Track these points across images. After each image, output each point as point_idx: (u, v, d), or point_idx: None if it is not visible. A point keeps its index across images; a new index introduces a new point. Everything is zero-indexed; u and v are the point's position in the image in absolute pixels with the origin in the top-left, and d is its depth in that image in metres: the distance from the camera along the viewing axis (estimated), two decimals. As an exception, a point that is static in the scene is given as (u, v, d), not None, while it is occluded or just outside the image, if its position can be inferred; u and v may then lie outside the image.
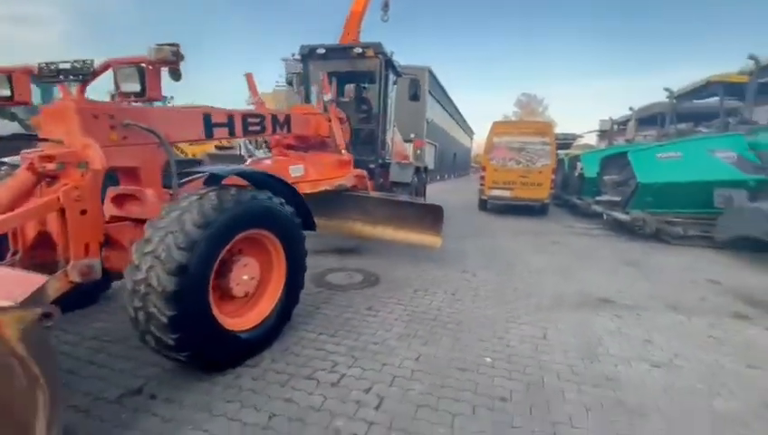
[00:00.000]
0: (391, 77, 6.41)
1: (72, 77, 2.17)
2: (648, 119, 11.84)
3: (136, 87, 2.03)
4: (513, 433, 1.77)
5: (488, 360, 2.41)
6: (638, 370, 2.36)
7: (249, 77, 6.20)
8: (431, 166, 20.36)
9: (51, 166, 1.98)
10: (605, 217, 7.54)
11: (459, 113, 38.70)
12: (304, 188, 4.06)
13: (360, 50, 5.77)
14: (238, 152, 9.20)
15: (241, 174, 2.51)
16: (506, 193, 9.12)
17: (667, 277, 4.40)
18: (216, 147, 11.82)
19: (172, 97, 12.77)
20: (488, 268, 4.55)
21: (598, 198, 8.04)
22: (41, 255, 2.21)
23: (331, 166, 4.58)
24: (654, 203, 6.47)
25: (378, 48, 5.76)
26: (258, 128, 3.78)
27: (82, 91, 2.21)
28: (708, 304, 3.54)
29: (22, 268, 2.10)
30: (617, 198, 7.38)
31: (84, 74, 2.13)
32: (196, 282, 1.86)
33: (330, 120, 4.74)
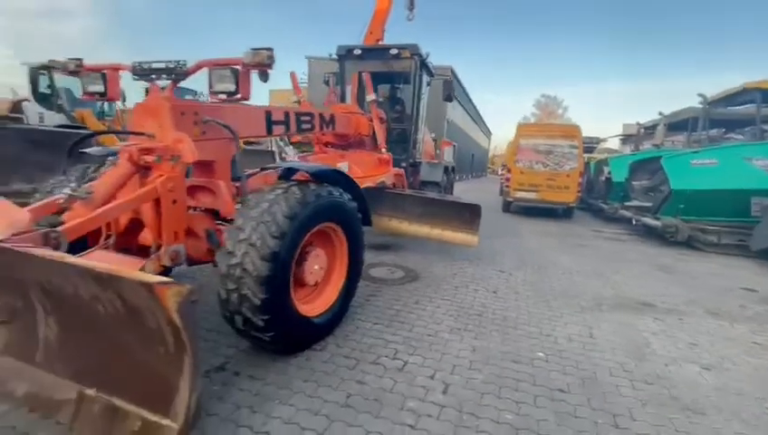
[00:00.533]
0: (425, 78, 6.51)
1: (164, 76, 2.35)
2: (677, 124, 11.66)
3: (230, 87, 2.20)
4: (576, 422, 1.88)
5: (540, 355, 2.52)
6: (688, 370, 2.43)
7: (293, 76, 6.38)
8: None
9: (150, 158, 2.16)
10: (634, 222, 7.51)
11: (478, 114, 38.46)
12: None
13: (396, 51, 5.88)
14: (268, 148, 9.41)
15: (313, 171, 2.63)
16: (532, 195, 9.13)
17: (702, 284, 4.42)
18: (250, 142, 12.13)
19: (201, 93, 13.17)
20: (523, 268, 4.63)
21: (627, 204, 8.00)
22: (130, 240, 2.40)
23: (372, 164, 4.72)
24: (686, 210, 6.44)
25: (414, 49, 5.86)
26: (309, 126, 3.93)
27: (173, 89, 2.39)
28: (749, 312, 3.56)
29: (115, 252, 2.30)
30: (647, 204, 7.35)
31: (177, 74, 2.31)
32: (284, 268, 2.02)
33: (371, 120, 4.89)
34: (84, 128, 8.49)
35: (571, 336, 2.81)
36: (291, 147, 10.13)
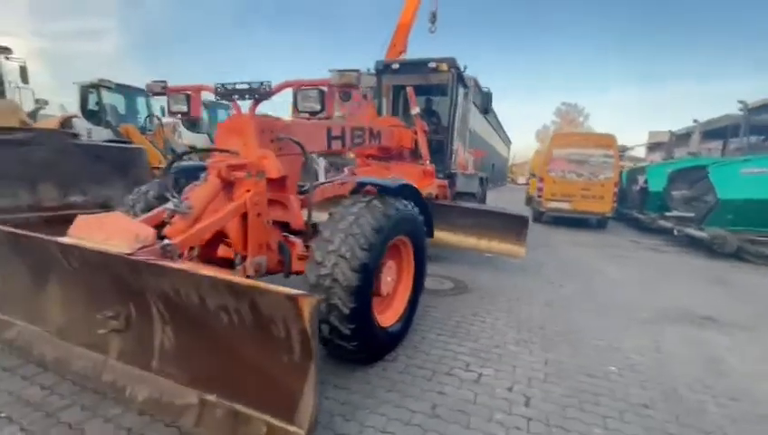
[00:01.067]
0: (461, 90, 6.58)
1: (247, 96, 2.49)
2: (713, 132, 11.36)
3: (316, 106, 2.31)
4: (668, 439, 1.86)
5: (613, 369, 2.49)
6: (759, 379, 2.37)
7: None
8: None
9: (240, 174, 2.28)
10: (676, 232, 7.31)
11: (498, 122, 38.30)
12: None
13: (434, 65, 5.97)
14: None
15: (387, 185, 2.67)
16: (565, 205, 9.02)
17: (758, 298, 4.27)
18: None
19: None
20: (571, 279, 4.58)
21: (667, 214, 7.81)
22: (211, 252, 2.53)
23: (418, 176, 4.79)
24: (735, 220, 6.24)
25: (452, 63, 5.95)
26: (361, 140, 4.04)
27: (254, 108, 2.53)
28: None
29: (201, 263, 2.42)
30: (690, 214, 7.15)
31: (260, 94, 2.44)
32: (370, 279, 2.10)
33: (415, 133, 4.98)
34: (130, 142, 8.94)
35: (640, 350, 2.78)
36: (321, 158, 10.33)
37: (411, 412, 1.94)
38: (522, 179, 35.57)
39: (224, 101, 11.30)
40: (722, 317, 3.55)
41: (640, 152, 21.46)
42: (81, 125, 9.42)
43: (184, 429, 1.63)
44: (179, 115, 2.79)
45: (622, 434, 1.87)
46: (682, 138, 13.56)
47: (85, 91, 9.51)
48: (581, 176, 8.95)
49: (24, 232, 1.87)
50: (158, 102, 10.85)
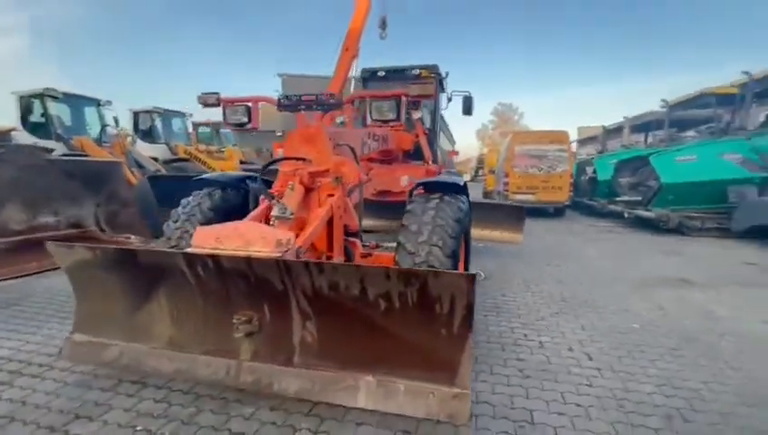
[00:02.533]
0: (443, 95, 7.04)
1: (315, 107, 2.64)
2: (639, 126, 13.07)
3: (392, 115, 2.52)
4: (703, 369, 2.35)
5: (636, 325, 3.01)
6: (755, 326, 3.01)
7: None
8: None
9: (327, 180, 2.44)
10: (627, 214, 8.41)
11: (445, 122, 39.88)
12: None
13: (418, 72, 6.36)
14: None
15: (449, 182, 2.92)
16: (530, 197, 9.89)
17: (711, 263, 5.18)
18: (241, 161, 12.11)
19: (191, 114, 13.00)
20: (563, 260, 5.19)
21: (617, 199, 8.92)
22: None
23: (423, 175, 5.12)
24: (674, 201, 7.37)
25: (435, 69, 6.38)
26: (377, 144, 4.29)
27: (321, 118, 2.68)
28: (765, 280, 4.31)
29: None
30: (637, 198, 8.27)
31: (329, 105, 2.61)
32: (457, 263, 2.37)
33: (416, 136, 5.31)
34: (86, 155, 8.25)
35: (647, 309, 3.34)
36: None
37: (506, 377, 2.25)
38: (467, 176, 37.50)
39: (178, 111, 10.83)
40: (692, 280, 4.30)
41: (572, 146, 23.72)
42: (23, 139, 8.51)
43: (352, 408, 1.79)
44: (234, 126, 2.84)
45: (669, 370, 2.34)
46: (612, 132, 15.33)
47: (27, 101, 8.60)
48: (542, 169, 9.89)
49: (140, 247, 1.89)
50: (111, 112, 10.13)
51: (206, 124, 14.11)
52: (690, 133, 11.65)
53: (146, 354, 2.05)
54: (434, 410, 1.66)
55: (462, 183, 2.90)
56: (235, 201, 3.02)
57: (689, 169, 7.25)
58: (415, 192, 2.88)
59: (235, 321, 1.87)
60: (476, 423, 1.82)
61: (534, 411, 1.92)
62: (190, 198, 2.97)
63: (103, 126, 9.33)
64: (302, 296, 1.80)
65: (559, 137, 10.08)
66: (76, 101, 9.57)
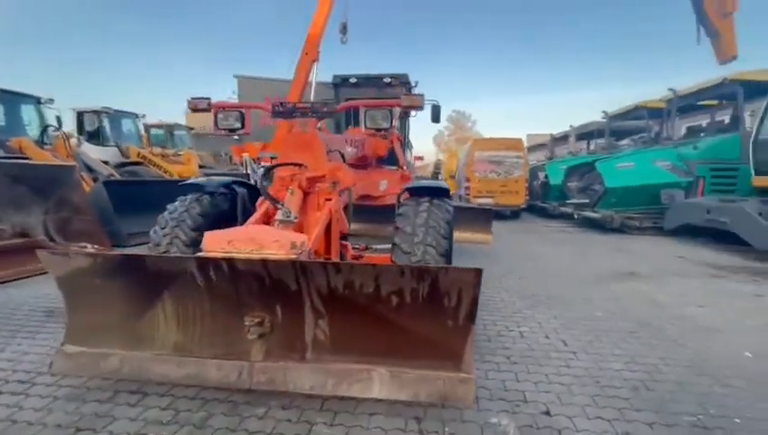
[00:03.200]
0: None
1: (310, 114, 2.72)
2: (584, 134, 14.27)
3: (385, 124, 2.66)
4: (657, 348, 2.72)
5: (599, 314, 3.38)
6: (691, 310, 3.50)
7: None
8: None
9: (324, 185, 2.53)
10: (576, 216, 9.17)
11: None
12: (388, 200, 4.76)
13: (388, 80, 6.59)
14: (244, 171, 9.31)
15: (435, 187, 3.10)
16: (490, 200, 10.45)
17: (651, 257, 5.84)
18: (200, 166, 11.64)
19: (144, 115, 12.31)
20: (526, 259, 5.60)
21: (568, 202, 9.70)
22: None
23: (397, 180, 5.31)
24: (617, 203, 8.17)
25: (404, 78, 6.65)
26: (356, 150, 4.43)
27: (315, 125, 2.76)
28: (694, 271, 4.95)
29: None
30: (585, 201, 9.06)
31: (323, 113, 2.70)
32: (450, 261, 2.56)
33: (391, 142, 5.49)
34: (26, 157, 7.56)
35: (605, 299, 3.75)
36: (262, 169, 10.12)
37: (496, 364, 2.47)
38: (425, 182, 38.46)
39: (128, 111, 10.39)
40: (638, 273, 4.85)
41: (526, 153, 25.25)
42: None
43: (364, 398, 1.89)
44: (226, 132, 2.84)
45: (631, 350, 2.68)
46: (560, 139, 16.58)
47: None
48: (500, 175, 10.51)
49: (146, 254, 1.87)
50: (53, 111, 9.34)
51: (159, 126, 13.42)
52: (626, 142, 12.92)
53: (150, 361, 2.01)
54: (443, 395, 1.81)
55: (447, 187, 3.11)
56: (223, 206, 3.02)
57: (628, 175, 8.09)
58: (403, 197, 3.05)
59: (246, 323, 1.92)
60: (478, 405, 2.00)
61: (525, 392, 2.14)
62: (177, 204, 2.92)
63: (45, 126, 8.59)
64: (316, 296, 1.88)
65: (515, 144, 10.76)
66: (10, 99, 8.73)
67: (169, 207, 2.91)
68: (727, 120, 9.54)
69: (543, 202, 11.47)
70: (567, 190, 10.09)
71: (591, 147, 15.24)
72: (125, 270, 1.97)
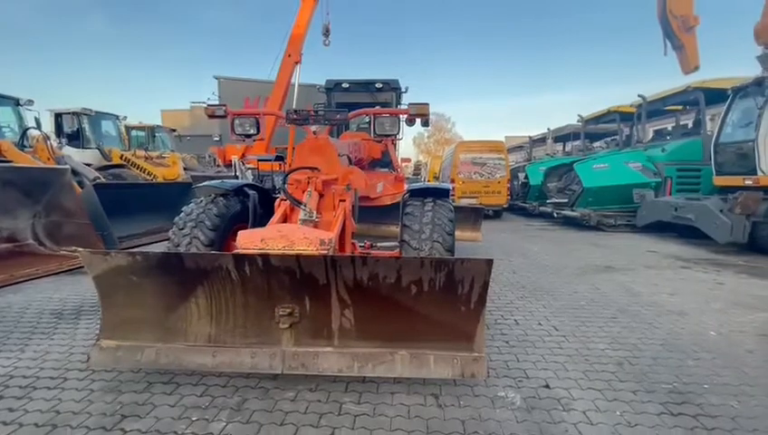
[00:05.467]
0: (402, 107, 7.56)
1: (324, 121, 2.91)
2: (560, 136, 14.93)
3: (393, 131, 2.88)
4: (636, 330, 3.05)
5: (583, 303, 3.70)
6: (663, 297, 3.88)
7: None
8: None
9: (339, 187, 2.72)
10: (555, 215, 9.65)
11: (383, 130, 40.88)
12: (385, 201, 4.99)
13: (380, 85, 6.82)
14: (233, 173, 9.32)
15: (440, 188, 3.34)
16: (474, 201, 10.82)
17: (625, 252, 6.30)
18: (186, 169, 11.52)
19: (125, 117, 12.07)
20: (512, 255, 5.94)
21: (548, 201, 10.18)
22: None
23: (392, 182, 5.53)
24: (593, 202, 8.68)
25: (395, 84, 6.89)
26: (357, 152, 4.64)
27: (330, 131, 2.96)
28: (664, 263, 5.40)
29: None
30: (564, 200, 9.54)
31: (336, 120, 2.90)
32: (453, 255, 2.80)
33: (385, 146, 5.71)
34: (7, 160, 7.37)
35: (588, 290, 4.09)
36: (249, 171, 10.15)
37: (497, 348, 2.73)
38: (427, 184, 38.82)
39: (109, 112, 10.27)
40: (614, 266, 5.26)
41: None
42: None
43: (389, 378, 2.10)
44: (243, 138, 3.00)
45: (613, 332, 3.00)
46: (537, 141, 17.23)
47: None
48: (483, 176, 10.90)
49: (184, 252, 2.02)
50: (32, 113, 9.09)
51: (140, 127, 13.18)
52: (599, 144, 13.61)
53: (185, 352, 2.16)
54: (458, 372, 2.05)
55: (448, 188, 3.36)
56: (236, 208, 3.17)
57: (603, 175, 8.60)
58: (406, 197, 3.29)
59: (278, 313, 2.10)
60: (486, 382, 2.25)
61: (526, 369, 2.41)
62: (193, 206, 3.06)
63: (26, 128, 8.37)
64: (342, 287, 2.08)
65: (497, 146, 11.19)
66: (-17, 99, 8.48)
67: (185, 208, 3.04)
68: (690, 123, 10.27)
69: (524, 202, 11.96)
70: (546, 190, 10.58)
71: (567, 148, 15.99)
72: (163, 267, 2.11)
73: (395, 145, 6.24)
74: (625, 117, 10.74)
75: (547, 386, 2.22)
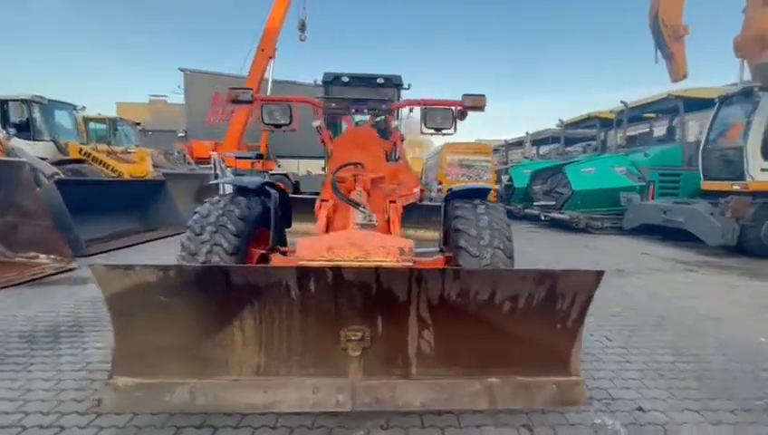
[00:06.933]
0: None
1: (366, 111, 2.55)
2: (538, 140, 15.26)
3: (447, 124, 2.57)
4: (687, 339, 2.94)
5: (618, 309, 3.58)
6: (690, 301, 3.84)
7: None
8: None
9: (391, 186, 2.38)
10: (543, 217, 9.74)
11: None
12: (410, 199, 4.66)
13: (382, 80, 6.50)
14: (213, 171, 8.61)
15: (480, 188, 3.07)
16: (461, 202, 10.74)
17: (621, 254, 6.37)
18: (154, 165, 10.59)
19: (83, 107, 10.95)
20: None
21: (535, 204, 10.27)
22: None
23: (409, 181, 5.22)
24: (582, 205, 8.82)
25: (397, 80, 6.60)
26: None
27: (372, 123, 2.61)
28: (667, 266, 5.48)
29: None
30: (551, 203, 9.65)
31: (380, 110, 2.56)
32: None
33: (393, 143, 5.39)
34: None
35: (616, 295, 3.99)
36: (228, 169, 9.47)
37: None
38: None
39: (64, 101, 9.31)
40: (624, 269, 5.25)
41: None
42: None
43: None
44: (272, 128, 2.57)
45: (667, 340, 2.87)
46: (513, 145, 17.56)
47: None
48: (470, 178, 10.84)
49: (229, 265, 1.62)
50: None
51: (101, 120, 12.01)
52: (575, 148, 14.03)
53: (229, 389, 1.74)
54: (559, 400, 1.78)
55: (489, 189, 3.11)
56: (257, 210, 2.74)
57: (591, 179, 8.77)
58: (448, 197, 3.00)
59: (345, 338, 1.74)
60: (576, 408, 2.00)
61: (608, 389, 2.19)
62: (208, 206, 2.59)
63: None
64: (424, 305, 1.76)
65: (483, 149, 11.19)
66: None
67: (200, 210, 2.56)
68: (663, 130, 10.78)
69: (508, 204, 12.04)
70: (532, 193, 10.68)
71: (542, 151, 16.39)
72: (201, 284, 1.68)
73: (402, 140, 5.94)
74: (604, 123, 11.09)
75: (641, 409, 2.00)
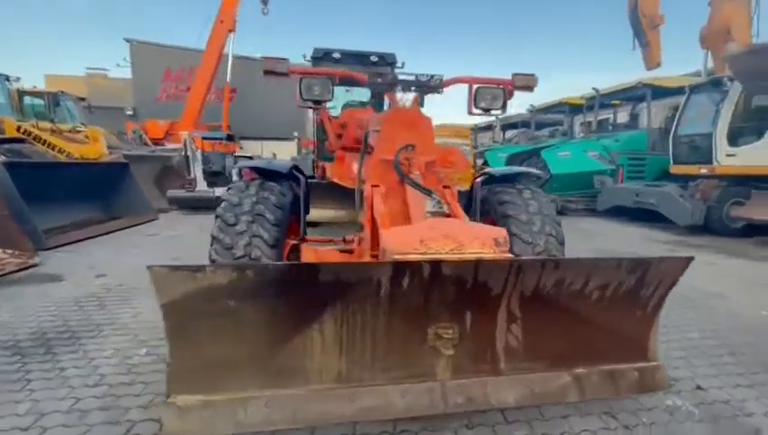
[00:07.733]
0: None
1: (413, 88, 2.35)
2: (508, 125, 15.61)
3: (499, 104, 2.43)
4: (703, 315, 3.11)
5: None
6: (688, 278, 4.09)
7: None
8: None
9: (447, 171, 2.23)
10: (520, 200, 10.01)
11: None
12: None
13: (375, 58, 6.20)
14: (183, 153, 7.88)
15: (515, 173, 3.00)
16: (441, 186, 10.78)
17: (613, 236, 6.70)
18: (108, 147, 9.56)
19: (18, 78, 9.60)
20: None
21: (512, 187, 10.51)
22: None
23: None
24: (558, 188, 9.14)
25: (391, 58, 6.33)
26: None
27: (418, 101, 2.41)
28: (653, 247, 5.83)
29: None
30: (528, 186, 9.92)
31: (430, 87, 2.36)
32: (563, 251, 2.52)
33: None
34: None
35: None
36: (198, 152, 8.73)
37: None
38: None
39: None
40: (616, 249, 5.51)
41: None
42: None
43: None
44: (311, 104, 2.29)
45: (689, 317, 3.01)
46: (483, 129, 17.86)
47: None
48: (449, 161, 10.87)
49: (319, 262, 1.40)
50: None
51: (38, 94, 10.59)
52: (541, 132, 14.50)
53: (310, 400, 1.54)
54: (641, 386, 1.77)
55: (521, 172, 3.05)
56: (289, 197, 2.49)
57: (567, 163, 9.10)
58: (480, 181, 2.91)
59: (433, 336, 1.61)
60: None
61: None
62: (238, 193, 2.29)
63: None
64: (516, 298, 1.65)
65: (462, 132, 11.20)
66: None
67: (228, 198, 2.27)
68: (626, 117, 11.40)
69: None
70: (508, 176, 10.93)
71: (507, 135, 16.81)
72: (281, 285, 1.45)
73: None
74: (574, 109, 11.50)
75: (700, 388, 2.07)
